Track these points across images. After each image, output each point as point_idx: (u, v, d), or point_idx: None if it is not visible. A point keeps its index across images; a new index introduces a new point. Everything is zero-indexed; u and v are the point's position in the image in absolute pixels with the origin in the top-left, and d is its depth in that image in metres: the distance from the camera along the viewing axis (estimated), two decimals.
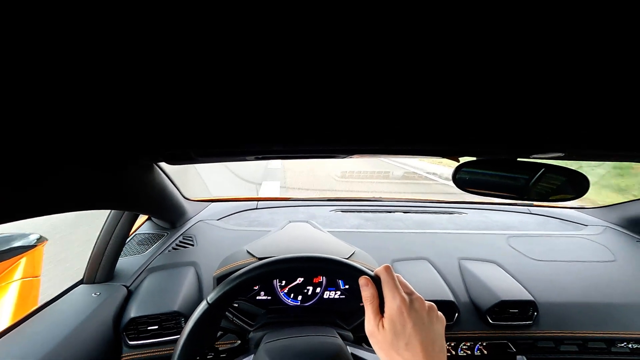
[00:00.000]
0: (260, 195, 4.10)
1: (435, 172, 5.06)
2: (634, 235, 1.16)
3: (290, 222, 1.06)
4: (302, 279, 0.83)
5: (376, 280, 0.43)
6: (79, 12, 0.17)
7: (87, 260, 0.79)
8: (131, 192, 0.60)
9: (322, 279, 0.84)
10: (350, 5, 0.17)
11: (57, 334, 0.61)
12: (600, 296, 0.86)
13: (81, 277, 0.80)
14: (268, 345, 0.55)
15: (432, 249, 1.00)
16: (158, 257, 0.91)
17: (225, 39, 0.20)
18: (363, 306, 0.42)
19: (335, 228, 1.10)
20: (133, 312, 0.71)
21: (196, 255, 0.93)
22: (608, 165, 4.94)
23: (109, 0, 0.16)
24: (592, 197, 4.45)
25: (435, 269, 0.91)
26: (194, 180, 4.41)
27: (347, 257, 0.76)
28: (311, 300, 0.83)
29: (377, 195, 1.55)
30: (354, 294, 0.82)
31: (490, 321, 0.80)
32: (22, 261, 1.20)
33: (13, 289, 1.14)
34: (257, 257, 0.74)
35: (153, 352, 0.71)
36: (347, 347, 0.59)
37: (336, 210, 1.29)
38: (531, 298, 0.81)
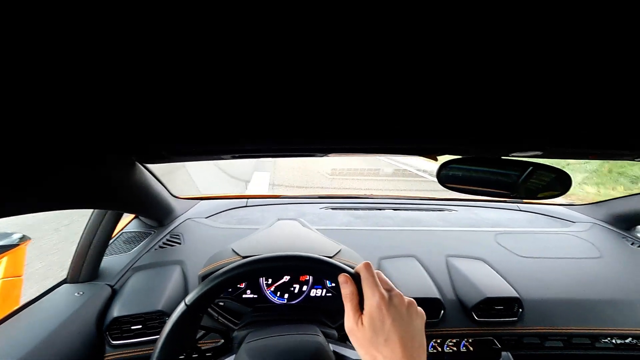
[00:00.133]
0: (250, 187, 4.10)
1: (426, 169, 5.09)
2: (620, 232, 1.18)
3: (279, 219, 1.05)
4: (288, 277, 0.83)
5: (356, 278, 0.43)
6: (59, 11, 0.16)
7: (71, 259, 0.78)
8: (111, 190, 0.59)
9: (309, 277, 0.83)
10: (339, 4, 0.17)
11: (38, 334, 0.60)
12: (585, 292, 0.87)
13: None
14: (249, 345, 0.55)
15: (420, 246, 1.01)
16: (144, 256, 0.90)
17: (207, 32, 0.19)
18: None
19: (325, 226, 1.10)
20: (116, 311, 0.71)
21: (183, 253, 0.92)
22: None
23: None
24: (592, 191, 4.48)
25: (423, 267, 0.91)
26: (183, 178, 4.38)
27: (332, 255, 0.75)
28: (298, 299, 0.83)
29: (368, 193, 1.55)
30: (340, 292, 0.82)
31: (476, 318, 0.80)
32: (4, 260, 1.18)
33: None
34: (241, 256, 0.73)
35: (137, 351, 0.70)
36: (330, 344, 0.58)
37: (326, 208, 1.29)
38: (516, 295, 0.82)
